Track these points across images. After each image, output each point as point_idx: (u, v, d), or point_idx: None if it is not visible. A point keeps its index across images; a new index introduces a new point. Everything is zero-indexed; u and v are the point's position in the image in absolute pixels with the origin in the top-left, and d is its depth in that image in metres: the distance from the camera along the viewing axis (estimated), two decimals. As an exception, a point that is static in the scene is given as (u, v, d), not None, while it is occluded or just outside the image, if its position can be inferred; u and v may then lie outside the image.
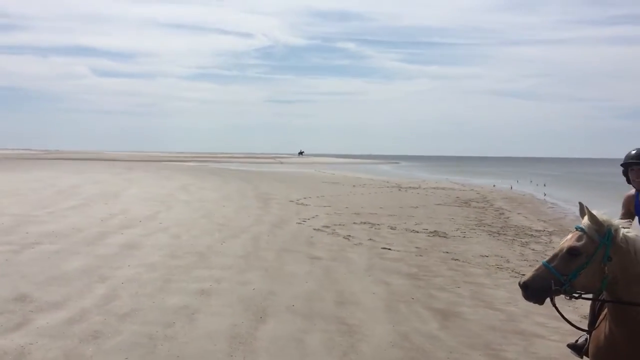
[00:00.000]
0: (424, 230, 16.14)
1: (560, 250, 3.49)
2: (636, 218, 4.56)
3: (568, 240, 3.52)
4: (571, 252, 3.43)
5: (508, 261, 12.16)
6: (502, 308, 8.19)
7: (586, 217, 3.55)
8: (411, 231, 15.98)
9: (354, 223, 16.96)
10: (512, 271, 11.19)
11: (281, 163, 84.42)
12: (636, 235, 3.56)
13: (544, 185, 42.11)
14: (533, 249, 13.80)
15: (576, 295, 3.50)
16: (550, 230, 17.41)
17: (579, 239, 3.48)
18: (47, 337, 6.18)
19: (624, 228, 3.53)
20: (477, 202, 26.15)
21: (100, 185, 25.27)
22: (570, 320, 3.94)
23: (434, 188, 35.21)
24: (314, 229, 15.24)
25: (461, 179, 51.00)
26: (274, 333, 6.79)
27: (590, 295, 3.62)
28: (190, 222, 15.32)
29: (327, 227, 15.84)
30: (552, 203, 27.93)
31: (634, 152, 4.34)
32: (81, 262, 9.79)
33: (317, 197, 25.36)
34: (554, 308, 3.60)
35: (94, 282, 8.52)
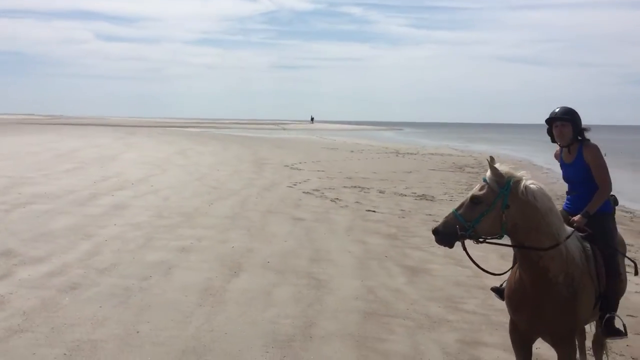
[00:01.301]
0: (412, 194, 16.41)
1: (466, 199, 3.78)
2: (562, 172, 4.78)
3: (473, 190, 3.80)
4: (474, 201, 3.74)
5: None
6: (471, 265, 8.46)
7: (489, 170, 3.81)
8: (399, 195, 16.26)
9: (344, 187, 17.23)
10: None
11: (284, 129, 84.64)
12: (539, 187, 3.82)
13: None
14: (516, 212, 14.06)
15: (481, 239, 3.78)
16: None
17: (481, 188, 3.77)
18: (27, 288, 6.55)
19: (526, 180, 3.79)
20: (472, 168, 26.35)
21: (99, 149, 25.56)
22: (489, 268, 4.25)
23: (432, 154, 35.39)
24: (303, 192, 15.53)
25: (462, 145, 51.10)
26: (245, 286, 7.14)
27: (494, 240, 3.89)
28: (182, 184, 15.64)
29: (317, 190, 16.13)
30: (547, 168, 28.07)
31: (557, 109, 4.53)
32: (69, 221, 10.14)
33: (313, 162, 25.61)
34: (466, 254, 3.89)
35: (79, 239, 8.88)
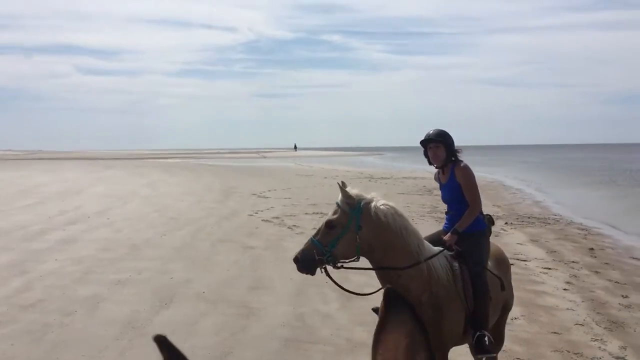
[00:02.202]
0: (373, 219, 16.44)
1: (323, 225, 3.82)
2: (440, 193, 4.85)
3: (328, 216, 3.84)
4: (329, 225, 3.79)
5: (441, 245, 12.49)
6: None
7: (340, 194, 3.87)
8: (360, 220, 16.28)
9: (306, 213, 17.23)
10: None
11: (264, 157, 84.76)
12: (390, 207, 3.87)
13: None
14: (472, 233, 14.14)
15: (339, 265, 3.80)
16: (500, 215, 17.78)
17: (334, 212, 3.82)
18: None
19: (377, 201, 3.85)
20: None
21: (66, 184, 25.39)
22: (351, 289, 4.27)
23: (406, 177, 35.55)
24: (262, 220, 15.50)
25: (438, 168, 51.31)
26: (171, 318, 7.08)
27: (352, 265, 3.92)
28: (139, 216, 15.54)
29: (277, 217, 16.10)
30: (516, 189, 28.33)
31: (431, 131, 4.61)
32: (10, 257, 10.02)
33: (283, 189, 25.61)
34: (329, 279, 3.90)
35: (13, 275, 8.76)
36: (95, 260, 9.97)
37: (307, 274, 3.87)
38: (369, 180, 33.20)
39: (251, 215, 16.63)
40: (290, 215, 16.61)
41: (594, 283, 9.32)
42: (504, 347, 6.36)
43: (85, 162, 61.00)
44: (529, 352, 6.29)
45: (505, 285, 4.52)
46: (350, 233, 3.78)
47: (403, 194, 24.82)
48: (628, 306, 8.05)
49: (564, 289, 8.92)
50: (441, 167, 4.63)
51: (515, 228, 15.10)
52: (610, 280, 9.50)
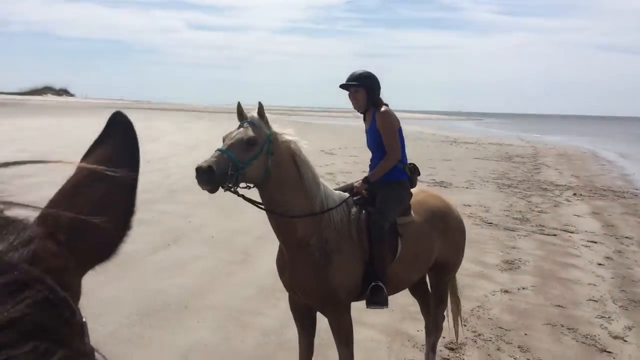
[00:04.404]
0: (430, 181, 15.85)
1: (239, 140, 3.46)
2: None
3: (242, 132, 3.49)
4: (250, 142, 3.43)
5: (487, 210, 11.83)
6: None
7: (255, 113, 3.57)
8: (416, 180, 15.76)
9: (363, 172, 16.87)
10: (478, 217, 10.93)
11: (356, 117, 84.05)
12: (299, 148, 3.60)
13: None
14: (529, 201, 13.28)
15: (237, 190, 3.46)
16: (572, 185, 16.55)
17: (253, 130, 3.48)
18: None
19: (286, 135, 3.58)
20: (522, 158, 25.09)
21: (149, 131, 26.51)
22: None
23: (492, 144, 33.99)
24: (326, 173, 15.36)
25: (534, 136, 48.67)
26: (165, 257, 7.21)
27: (249, 198, 3.61)
28: (195, 164, 15.90)
29: (331, 174, 15.91)
30: (608, 161, 26.23)
31: (355, 73, 4.16)
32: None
33: (354, 147, 25.30)
34: (239, 196, 3.54)
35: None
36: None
37: (207, 189, 3.36)
38: (450, 144, 32.12)
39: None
40: (345, 172, 16.36)
41: (636, 260, 8.43)
42: (489, 315, 5.96)
43: (184, 113, 63.74)
44: (517, 322, 5.79)
45: (435, 245, 4.10)
46: (263, 155, 3.47)
47: (478, 158, 23.76)
48: (662, 287, 7.20)
49: (599, 264, 8.13)
50: (363, 113, 4.22)
51: (582, 200, 13.98)
52: (658, 259, 8.54)
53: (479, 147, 30.87)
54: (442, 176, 16.98)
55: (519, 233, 9.84)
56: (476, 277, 7.32)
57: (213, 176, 3.32)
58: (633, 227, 10.95)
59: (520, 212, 11.87)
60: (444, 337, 5.19)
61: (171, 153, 18.03)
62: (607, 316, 6.07)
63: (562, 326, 5.74)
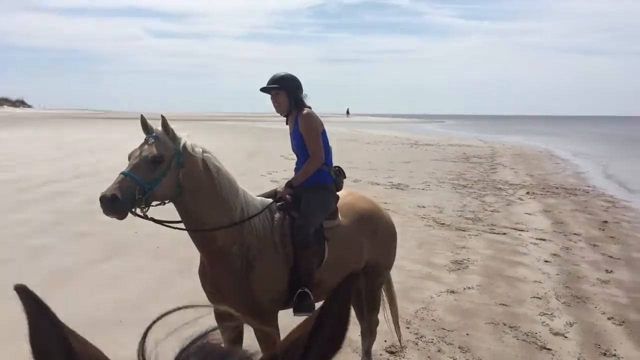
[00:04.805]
0: (387, 183, 15.90)
1: (144, 159, 3.33)
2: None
3: (146, 149, 3.37)
4: (156, 159, 3.30)
5: (441, 211, 11.87)
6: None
7: (160, 126, 3.44)
8: (372, 184, 15.78)
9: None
10: (431, 219, 10.96)
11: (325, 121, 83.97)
12: (208, 153, 3.50)
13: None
14: (483, 201, 13.40)
15: (146, 211, 3.34)
16: (526, 184, 16.79)
17: (157, 147, 3.34)
18: None
19: (198, 147, 3.48)
20: (479, 158, 25.39)
21: (104, 141, 25.98)
22: None
23: (451, 145, 34.37)
24: (272, 181, 15.19)
25: (492, 136, 49.45)
26: (103, 270, 6.97)
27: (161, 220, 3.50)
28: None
29: (287, 179, 15.79)
30: (563, 159, 26.77)
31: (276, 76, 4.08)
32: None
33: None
34: (149, 220, 3.43)
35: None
36: (69, 213, 10.05)
37: (117, 217, 3.21)
38: (411, 146, 32.35)
39: (264, 175, 16.43)
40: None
41: (583, 257, 8.53)
42: (432, 316, 5.92)
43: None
44: (460, 322, 5.76)
45: (364, 248, 4.03)
46: (173, 171, 3.34)
47: (437, 160, 23.95)
48: (605, 282, 7.30)
49: (545, 261, 8.20)
50: (286, 116, 4.14)
51: (534, 198, 14.17)
52: (604, 255, 8.67)
53: (439, 148, 31.16)
54: (400, 178, 17.03)
55: (470, 233, 9.89)
56: (424, 278, 7.29)
57: (118, 204, 3.18)
58: (582, 223, 11.12)
59: (473, 212, 11.95)
60: (385, 341, 5.15)
61: (124, 163, 17.57)
62: (549, 313, 6.10)
63: (505, 325, 5.73)
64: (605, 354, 5.15)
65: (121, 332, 5.27)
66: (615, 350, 5.24)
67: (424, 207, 12.31)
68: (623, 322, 5.94)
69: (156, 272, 7.00)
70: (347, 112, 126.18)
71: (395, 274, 7.34)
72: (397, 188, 15.10)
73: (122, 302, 5.99)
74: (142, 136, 3.51)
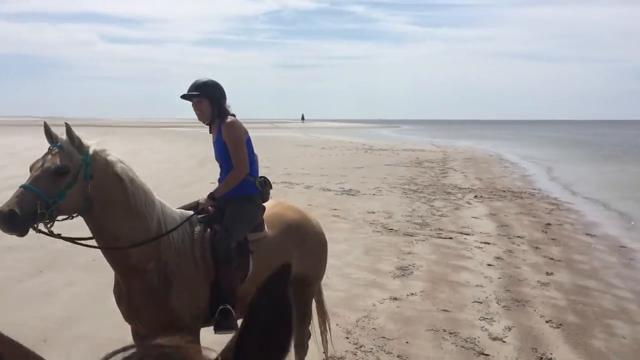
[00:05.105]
0: (339, 189, 15.86)
1: (46, 171, 3.12)
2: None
3: (49, 160, 3.17)
4: (60, 171, 3.10)
5: (390, 217, 11.87)
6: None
7: (67, 135, 3.24)
8: (324, 189, 15.72)
9: (273, 183, 16.65)
10: (380, 224, 10.94)
11: (277, 128, 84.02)
12: (123, 164, 3.32)
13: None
14: (431, 205, 13.48)
15: (53, 233, 3.15)
16: (475, 188, 17.02)
17: (62, 157, 3.14)
18: None
19: (102, 151, 3.29)
20: (431, 163, 25.69)
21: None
22: None
23: (405, 150, 34.72)
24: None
25: (446, 141, 50.23)
26: (34, 284, 6.65)
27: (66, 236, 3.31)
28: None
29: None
30: (511, 163, 27.31)
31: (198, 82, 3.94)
32: None
33: (267, 158, 25.01)
34: (54, 237, 3.23)
35: None
36: None
37: (17, 234, 2.97)
38: (365, 152, 32.51)
39: (214, 183, 16.04)
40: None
41: (525, 259, 8.63)
42: (373, 325, 5.84)
43: (95, 129, 61.21)
44: (401, 330, 5.70)
45: (292, 259, 3.91)
46: (80, 183, 3.14)
47: (389, 165, 24.10)
48: (545, 284, 7.38)
49: (488, 265, 8.26)
50: (209, 124, 4.00)
51: (481, 202, 14.35)
52: (545, 257, 8.80)
53: (393, 153, 31.42)
54: (351, 184, 17.01)
55: (417, 238, 9.90)
56: (369, 285, 7.23)
57: (17, 220, 2.94)
58: (525, 226, 11.30)
59: (422, 216, 12.00)
60: (323, 352, 5.02)
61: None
62: (489, 317, 6.11)
63: (445, 331, 5.70)
64: (541, 358, 5.17)
65: (45, 352, 5.00)
66: (551, 353, 5.27)
67: (373, 212, 12.30)
68: (560, 324, 5.99)
69: (88, 287, 6.70)
70: (302, 118, 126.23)
71: (340, 282, 7.31)
72: (349, 194, 15.07)
73: (49, 319, 5.71)
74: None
